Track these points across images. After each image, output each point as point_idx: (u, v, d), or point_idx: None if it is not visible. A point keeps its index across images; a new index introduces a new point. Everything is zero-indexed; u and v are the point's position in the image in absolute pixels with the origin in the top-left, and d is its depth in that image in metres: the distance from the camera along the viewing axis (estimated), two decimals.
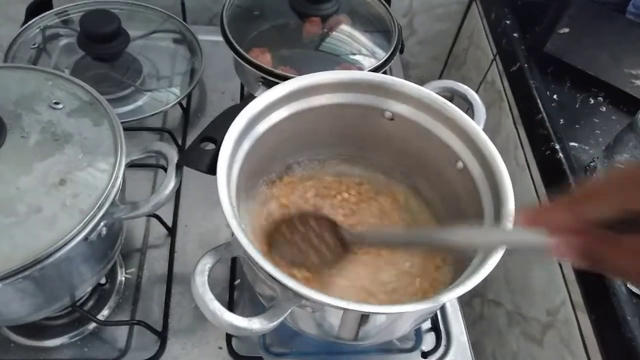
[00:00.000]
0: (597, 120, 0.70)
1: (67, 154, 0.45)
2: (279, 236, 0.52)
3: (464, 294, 0.55)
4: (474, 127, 0.51)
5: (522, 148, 0.71)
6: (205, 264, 0.41)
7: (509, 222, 0.44)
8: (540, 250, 0.32)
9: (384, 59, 0.68)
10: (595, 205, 0.29)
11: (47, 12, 0.78)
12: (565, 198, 0.31)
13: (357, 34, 0.74)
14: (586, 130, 0.69)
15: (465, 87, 0.56)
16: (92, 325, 0.55)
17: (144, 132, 0.71)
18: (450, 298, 0.40)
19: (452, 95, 0.57)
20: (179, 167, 0.49)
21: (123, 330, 0.55)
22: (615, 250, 0.29)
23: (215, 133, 0.49)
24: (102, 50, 0.70)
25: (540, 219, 0.32)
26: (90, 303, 0.57)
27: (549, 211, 0.32)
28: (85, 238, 0.43)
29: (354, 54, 0.72)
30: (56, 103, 0.48)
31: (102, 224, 0.45)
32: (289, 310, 0.40)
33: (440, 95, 0.53)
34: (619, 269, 0.30)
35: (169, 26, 0.81)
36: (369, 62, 0.70)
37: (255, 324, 0.39)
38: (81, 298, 0.55)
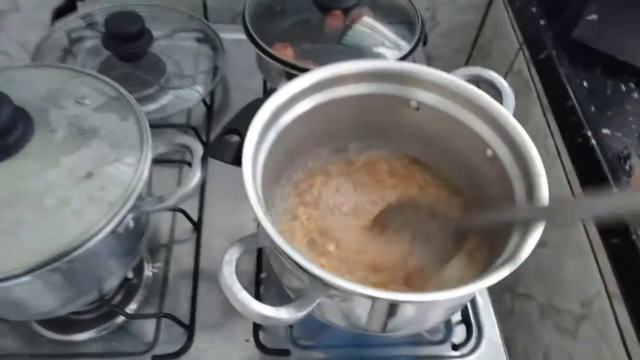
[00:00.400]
0: (629, 108, 0.68)
1: (94, 148, 0.46)
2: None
3: (494, 289, 0.55)
4: (503, 113, 0.49)
5: (552, 137, 0.69)
6: (233, 254, 0.41)
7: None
8: None
9: (408, 50, 0.67)
10: None
11: (72, 16, 0.80)
12: None
13: (379, 26, 0.73)
14: (618, 118, 0.67)
15: (493, 73, 0.55)
16: (120, 319, 0.56)
17: (168, 130, 0.71)
18: (491, 282, 0.38)
19: (478, 84, 0.56)
20: (204, 159, 0.49)
21: (150, 324, 0.55)
22: None
23: (239, 125, 0.49)
24: (127, 50, 0.71)
25: None
26: (118, 297, 0.57)
27: None
28: (113, 231, 0.43)
29: (377, 47, 0.71)
30: (82, 98, 0.49)
31: (129, 216, 0.45)
32: (318, 300, 0.40)
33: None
34: None
35: (191, 26, 0.82)
36: (392, 54, 0.69)
37: (283, 314, 0.39)
38: (109, 292, 0.56)
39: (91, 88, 0.51)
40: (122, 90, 0.51)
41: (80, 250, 0.41)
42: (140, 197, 0.45)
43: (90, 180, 0.44)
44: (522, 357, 0.75)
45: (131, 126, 0.48)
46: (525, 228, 0.42)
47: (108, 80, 0.52)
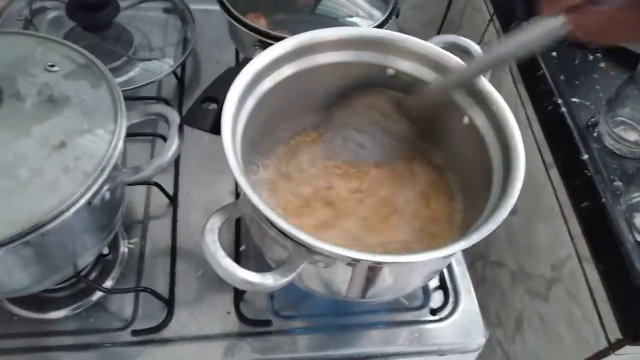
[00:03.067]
0: (596, 76, 0.70)
1: (66, 116, 0.44)
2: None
3: (466, 257, 0.56)
4: (480, 79, 0.50)
5: (524, 106, 0.71)
6: (215, 223, 0.41)
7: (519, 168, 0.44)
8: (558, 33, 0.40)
9: (382, 19, 0.67)
10: None
11: None
12: None
13: None
14: (586, 87, 0.69)
15: (467, 40, 0.55)
16: (96, 296, 0.54)
17: (139, 102, 0.69)
18: (481, 237, 0.39)
19: (453, 52, 0.56)
20: (180, 128, 0.47)
21: (129, 300, 0.54)
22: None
23: (217, 92, 0.48)
24: (92, 19, 0.69)
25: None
26: (94, 274, 0.56)
27: None
28: (89, 202, 0.42)
29: (351, 17, 0.71)
30: (51, 66, 0.47)
31: (105, 187, 0.43)
32: (302, 266, 0.40)
33: None
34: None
35: None
36: (367, 24, 0.69)
37: (268, 280, 0.39)
38: (84, 269, 0.54)
39: (59, 55, 0.49)
40: (92, 57, 0.49)
41: (55, 222, 0.40)
42: (115, 168, 0.44)
43: (63, 150, 0.42)
44: (495, 323, 0.77)
45: (104, 94, 0.47)
46: (505, 182, 0.43)
47: (76, 47, 0.50)
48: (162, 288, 0.55)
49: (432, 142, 0.58)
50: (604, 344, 0.56)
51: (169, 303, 0.54)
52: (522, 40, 0.44)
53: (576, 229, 0.59)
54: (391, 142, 0.56)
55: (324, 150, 0.57)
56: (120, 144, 0.44)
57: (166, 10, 0.79)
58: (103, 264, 0.57)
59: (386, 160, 0.57)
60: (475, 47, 0.55)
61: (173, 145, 0.47)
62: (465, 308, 0.58)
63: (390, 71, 0.54)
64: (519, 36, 0.44)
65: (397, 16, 0.76)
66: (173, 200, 0.62)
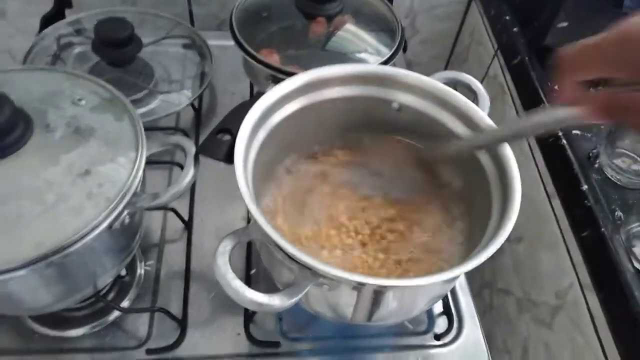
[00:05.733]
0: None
1: (91, 146, 0.48)
2: None
3: (473, 285, 0.57)
4: (479, 113, 0.52)
5: (527, 139, 0.73)
6: (226, 246, 0.43)
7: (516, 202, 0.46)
8: (570, 121, 0.37)
9: (388, 55, 0.70)
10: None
11: (60, 22, 0.81)
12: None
13: (361, 33, 0.76)
14: None
15: (469, 76, 0.58)
16: (113, 315, 0.57)
17: (158, 132, 0.73)
18: (479, 262, 0.41)
19: (456, 87, 0.59)
20: (196, 157, 0.51)
21: (144, 320, 0.57)
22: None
23: (231, 125, 0.52)
24: (116, 55, 0.73)
25: (579, 97, 0.36)
26: (112, 294, 0.59)
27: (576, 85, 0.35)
28: (110, 226, 0.45)
29: (360, 52, 0.74)
30: (79, 100, 0.50)
31: (125, 212, 0.47)
32: (307, 288, 0.42)
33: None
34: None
35: (178, 32, 0.84)
36: (374, 60, 0.72)
37: (275, 301, 0.41)
38: (103, 289, 0.57)
39: (86, 90, 0.52)
40: (116, 91, 0.53)
41: (78, 245, 0.43)
42: (136, 194, 0.47)
43: (88, 177, 0.46)
44: (503, 350, 0.78)
45: (126, 126, 0.50)
46: (505, 204, 0.45)
47: (101, 82, 0.54)
48: (176, 309, 0.58)
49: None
50: None
51: (182, 323, 0.57)
52: (539, 121, 0.43)
53: (578, 257, 0.61)
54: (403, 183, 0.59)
55: (333, 182, 0.60)
56: (140, 173, 0.48)
57: (185, 46, 0.84)
58: (121, 285, 0.60)
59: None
60: (476, 84, 0.57)
61: (189, 173, 0.50)
62: (469, 334, 0.59)
63: (394, 105, 0.57)
64: (537, 116, 0.43)
65: (404, 51, 0.79)
66: (188, 224, 0.65)
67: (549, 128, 0.43)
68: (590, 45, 0.33)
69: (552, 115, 0.40)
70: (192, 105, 0.76)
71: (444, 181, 0.58)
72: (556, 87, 0.37)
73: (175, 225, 0.65)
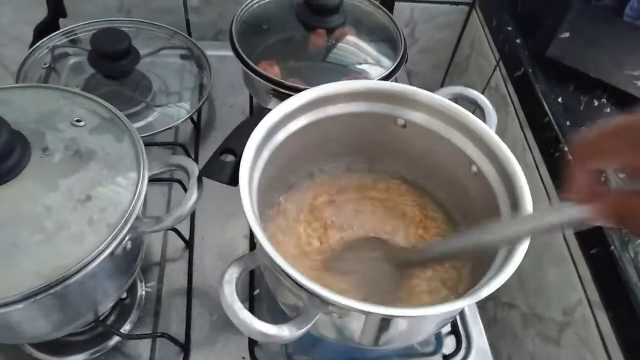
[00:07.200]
0: (602, 122, 0.72)
1: (92, 170, 0.46)
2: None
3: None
4: (486, 130, 0.52)
5: (530, 150, 0.72)
6: (232, 274, 0.42)
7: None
8: (578, 223, 0.35)
9: (392, 67, 0.69)
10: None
11: (54, 33, 0.79)
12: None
13: (363, 44, 0.75)
14: None
15: (475, 92, 0.57)
16: (114, 340, 0.56)
17: (156, 147, 0.72)
18: (485, 294, 0.40)
19: (457, 100, 0.58)
20: (199, 179, 0.49)
21: (146, 344, 0.56)
22: None
23: (234, 144, 0.50)
24: (114, 67, 0.71)
25: (592, 193, 0.33)
26: (112, 318, 0.57)
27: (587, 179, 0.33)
28: (112, 253, 0.44)
29: (361, 64, 0.73)
30: (78, 120, 0.49)
31: (127, 237, 0.45)
32: (317, 317, 0.41)
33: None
34: None
35: (176, 43, 0.82)
36: (376, 71, 0.71)
37: (285, 332, 0.40)
38: (103, 313, 0.56)
39: (84, 108, 0.51)
40: (116, 111, 0.51)
41: (80, 274, 0.42)
42: (138, 219, 0.46)
43: (88, 202, 0.44)
44: None
45: (127, 147, 0.49)
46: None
47: (100, 100, 0.52)
48: (178, 331, 0.57)
49: (440, 189, 0.59)
50: None
51: (185, 347, 0.55)
52: (541, 224, 0.40)
53: (586, 274, 0.60)
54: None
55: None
56: (143, 196, 0.46)
57: (183, 57, 0.82)
58: (121, 308, 0.58)
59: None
60: (483, 100, 0.57)
61: (192, 196, 0.48)
62: (477, 353, 0.58)
63: (400, 121, 0.56)
64: (538, 218, 0.40)
65: (405, 61, 0.78)
66: (189, 243, 0.63)
67: (551, 231, 0.40)
68: (609, 130, 0.31)
69: (556, 216, 0.37)
70: (191, 118, 0.74)
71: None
72: (567, 180, 0.34)
73: (176, 244, 0.63)
